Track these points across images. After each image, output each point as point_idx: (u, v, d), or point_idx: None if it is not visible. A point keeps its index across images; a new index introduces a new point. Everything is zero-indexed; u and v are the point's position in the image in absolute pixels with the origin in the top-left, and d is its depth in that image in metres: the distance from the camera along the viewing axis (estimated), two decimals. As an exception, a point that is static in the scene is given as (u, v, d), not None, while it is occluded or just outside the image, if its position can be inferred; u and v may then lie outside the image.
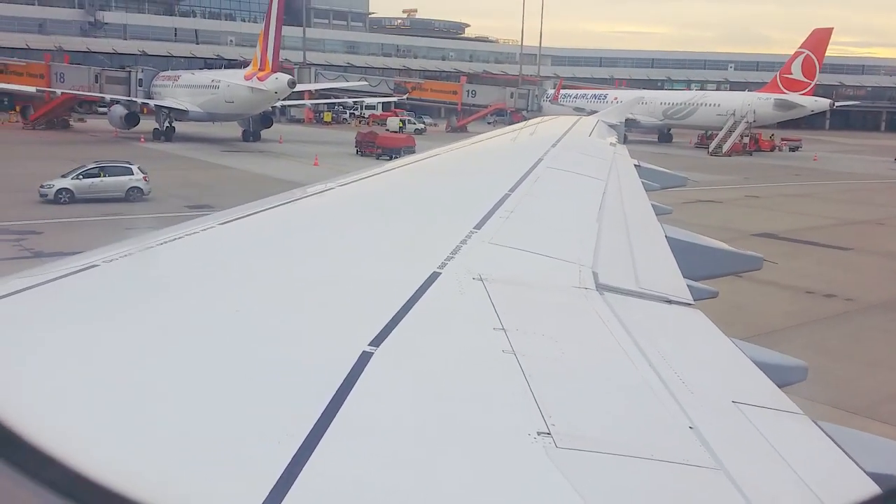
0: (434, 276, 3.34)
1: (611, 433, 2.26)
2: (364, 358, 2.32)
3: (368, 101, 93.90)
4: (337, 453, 1.79)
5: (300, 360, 2.37)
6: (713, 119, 79.78)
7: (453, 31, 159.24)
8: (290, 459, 1.71)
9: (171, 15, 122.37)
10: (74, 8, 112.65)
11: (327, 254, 3.90)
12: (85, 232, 26.58)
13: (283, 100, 71.09)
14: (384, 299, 2.96)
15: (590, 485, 1.85)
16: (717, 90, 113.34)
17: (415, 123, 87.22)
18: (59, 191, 32.01)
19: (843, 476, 2.17)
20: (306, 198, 5.27)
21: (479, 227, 4.50)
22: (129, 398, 2.02)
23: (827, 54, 79.16)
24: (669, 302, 3.83)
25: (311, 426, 1.87)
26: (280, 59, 67.99)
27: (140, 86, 72.70)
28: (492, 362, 2.57)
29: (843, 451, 2.27)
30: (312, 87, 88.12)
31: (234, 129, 69.12)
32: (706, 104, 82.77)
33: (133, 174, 33.72)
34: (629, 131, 70.79)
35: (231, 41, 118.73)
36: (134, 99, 69.05)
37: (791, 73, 77.54)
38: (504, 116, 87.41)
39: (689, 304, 3.86)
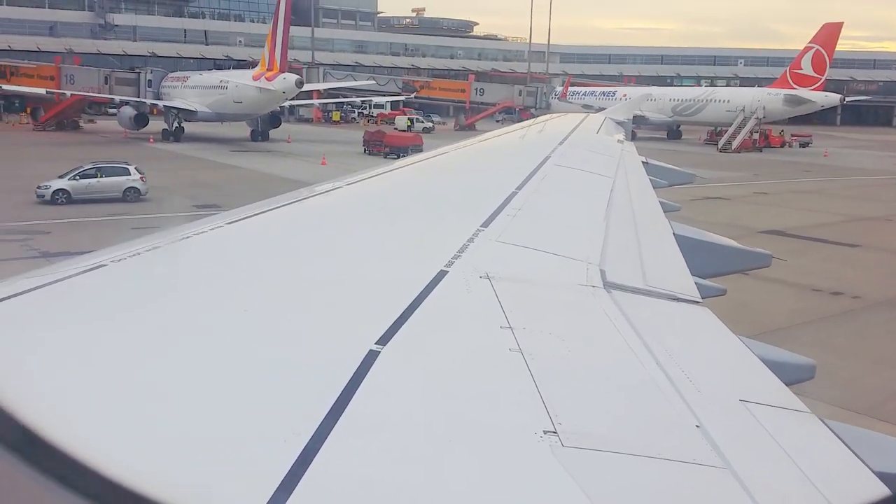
0: (441, 275, 3.34)
1: (617, 432, 2.25)
2: (371, 356, 2.32)
3: (377, 100, 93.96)
4: (343, 452, 1.80)
5: (307, 359, 2.38)
6: (723, 115, 79.38)
7: (462, 29, 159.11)
8: (296, 458, 1.71)
9: (180, 16, 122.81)
10: (84, 10, 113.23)
11: (334, 252, 3.91)
12: (89, 233, 26.63)
13: (292, 99, 71.23)
14: (391, 298, 2.96)
15: (596, 484, 1.84)
16: (726, 86, 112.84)
17: (423, 122, 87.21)
18: (56, 191, 32.02)
19: (850, 476, 2.16)
20: (314, 197, 5.27)
21: (486, 225, 4.50)
22: (137, 396, 2.03)
23: (838, 49, 78.59)
24: (677, 300, 3.82)
25: (318, 425, 1.87)
26: (289, 59, 68.16)
27: (149, 87, 72.99)
28: (498, 361, 2.57)
29: (852, 450, 2.25)
30: (321, 86, 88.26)
31: (242, 129, 69.32)
32: (715, 100, 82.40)
33: (130, 174, 33.66)
34: (638, 128, 71.00)
35: (240, 42, 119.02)
36: (143, 100, 69.40)
37: (801, 69, 77.03)
38: (512, 114, 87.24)
39: (697, 302, 3.85)
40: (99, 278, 3.00)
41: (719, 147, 74.83)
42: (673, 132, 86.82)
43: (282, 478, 1.64)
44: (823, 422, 2.47)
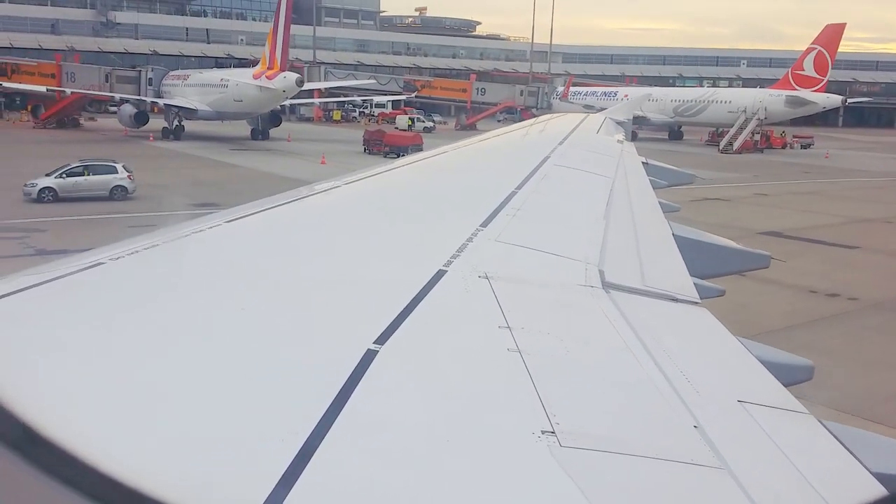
0: (440, 274, 3.33)
1: (615, 432, 2.25)
2: (369, 356, 2.32)
3: (378, 99, 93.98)
4: (340, 451, 1.79)
5: (305, 358, 2.38)
6: (724, 116, 79.34)
7: (464, 28, 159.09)
8: (293, 457, 1.71)
9: (182, 14, 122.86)
10: (86, 8, 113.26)
11: (333, 251, 3.90)
12: (86, 231, 26.56)
13: (293, 98, 71.25)
14: (389, 297, 2.96)
15: (594, 484, 1.84)
16: (729, 87, 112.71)
17: (424, 121, 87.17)
18: (43, 189, 31.85)
19: (848, 477, 2.16)
20: (312, 196, 5.27)
21: (485, 224, 4.50)
22: (135, 394, 2.03)
23: (841, 50, 78.50)
24: (676, 300, 3.81)
25: (315, 424, 1.87)
26: (290, 58, 68.14)
27: (150, 85, 73.03)
28: (496, 361, 2.56)
29: (849, 451, 2.25)
30: (321, 85, 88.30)
31: (242, 128, 69.34)
32: (717, 101, 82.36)
33: (117, 173, 33.43)
34: (639, 129, 70.91)
35: (242, 40, 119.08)
36: (143, 98, 69.45)
37: (803, 70, 76.99)
38: (514, 114, 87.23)
39: (696, 303, 3.84)
40: (97, 276, 2.99)
41: (720, 148, 74.79)
42: (674, 133, 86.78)
43: (279, 476, 1.63)
44: (821, 423, 2.47)
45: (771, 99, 77.43)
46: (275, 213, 4.56)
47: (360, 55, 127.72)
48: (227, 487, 1.66)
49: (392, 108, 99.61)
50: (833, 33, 75.93)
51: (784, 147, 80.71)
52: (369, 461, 1.82)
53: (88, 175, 33.06)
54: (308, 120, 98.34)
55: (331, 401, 1.99)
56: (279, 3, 64.96)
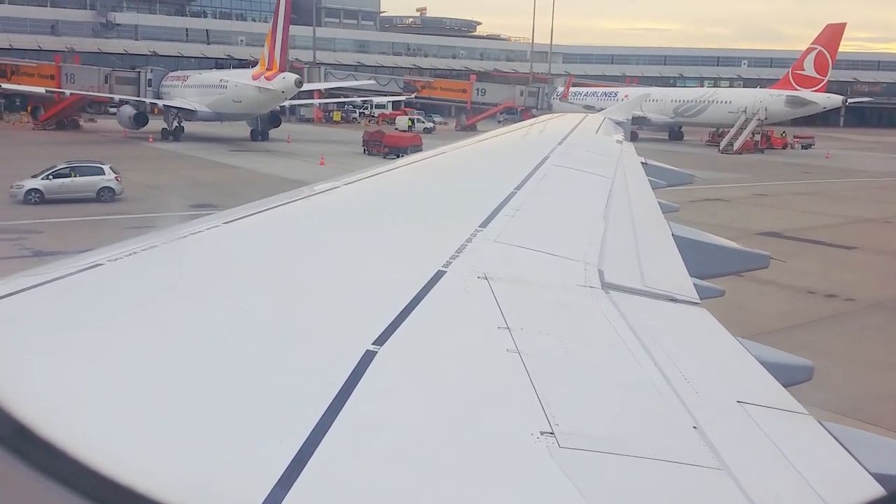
0: (439, 275, 3.33)
1: (614, 433, 2.25)
2: (367, 357, 2.32)
3: (378, 99, 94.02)
4: (339, 452, 1.79)
5: (303, 359, 2.38)
6: (725, 116, 79.31)
7: (464, 29, 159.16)
8: (292, 458, 1.71)
9: (182, 15, 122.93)
10: (86, 9, 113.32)
11: (331, 252, 3.90)
12: (83, 233, 26.40)
13: (293, 99, 71.26)
14: (388, 298, 2.96)
15: (593, 485, 1.84)
16: (730, 87, 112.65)
17: (424, 122, 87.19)
18: (29, 191, 31.57)
19: (847, 477, 2.16)
20: (311, 196, 5.27)
21: (484, 225, 4.49)
22: (133, 395, 2.03)
23: (842, 50, 78.44)
24: (675, 301, 3.81)
25: (314, 425, 1.86)
26: (290, 59, 68.15)
27: (149, 86, 73.09)
28: (496, 361, 2.56)
29: (849, 451, 2.25)
30: (321, 86, 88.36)
31: (242, 129, 69.34)
32: (717, 101, 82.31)
33: (104, 174, 33.16)
34: (640, 129, 70.76)
35: (242, 41, 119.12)
36: (143, 99, 69.49)
37: (803, 70, 76.95)
38: (514, 115, 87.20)
39: (696, 303, 3.84)
40: (95, 277, 2.99)
41: (720, 148, 74.78)
42: (674, 133, 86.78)
43: (278, 477, 1.63)
44: (820, 423, 2.46)
45: (771, 99, 77.41)
46: (273, 213, 4.55)
47: (360, 56, 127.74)
48: (226, 488, 1.66)
49: (392, 109, 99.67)
50: (833, 33, 75.89)
51: (784, 147, 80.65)
52: (368, 462, 1.82)
53: (75, 176, 32.77)
54: (308, 121, 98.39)
55: (329, 401, 1.99)
56: (278, 4, 64.96)
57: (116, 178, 33.31)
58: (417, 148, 46.93)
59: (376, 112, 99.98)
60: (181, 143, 62.73)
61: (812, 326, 19.29)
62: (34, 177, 32.37)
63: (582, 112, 22.98)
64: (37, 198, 31.66)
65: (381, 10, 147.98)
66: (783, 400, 2.68)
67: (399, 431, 2.01)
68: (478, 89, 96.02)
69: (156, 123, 66.59)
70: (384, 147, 55.61)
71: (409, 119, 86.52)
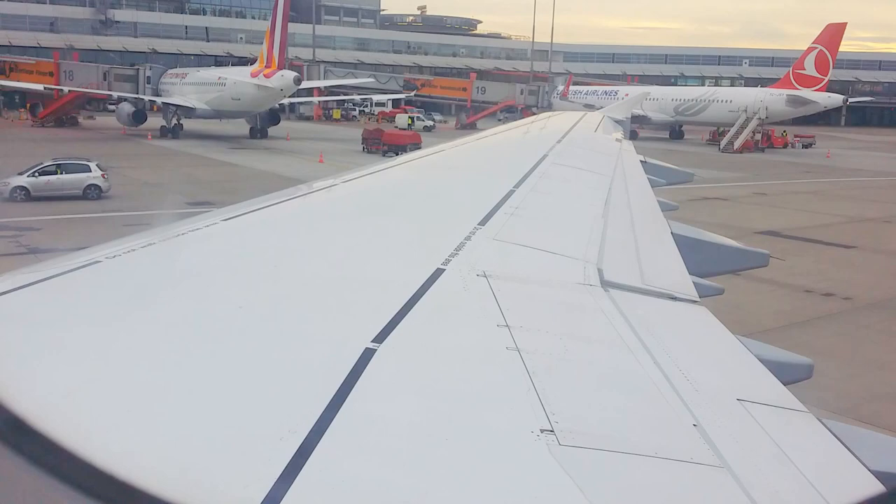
0: (438, 273, 3.33)
1: (614, 431, 2.24)
2: (367, 355, 2.32)
3: (378, 97, 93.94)
4: (339, 449, 1.79)
5: (303, 357, 2.37)
6: (725, 115, 79.25)
7: (465, 27, 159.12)
8: (293, 455, 1.71)
9: (181, 13, 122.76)
10: (85, 6, 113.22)
11: (330, 250, 3.90)
12: (80, 230, 26.34)
13: (292, 97, 71.18)
14: (387, 296, 2.95)
15: (593, 482, 1.83)
16: (730, 86, 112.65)
17: (424, 120, 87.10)
18: (14, 189, 31.19)
19: (847, 475, 2.15)
20: (310, 194, 5.27)
21: (483, 223, 4.49)
22: (133, 392, 2.03)
23: (843, 50, 78.34)
24: (675, 299, 3.81)
25: (314, 422, 1.86)
26: (290, 57, 68.09)
27: (148, 83, 73.00)
28: (495, 359, 2.56)
29: (848, 449, 2.25)
30: (320, 83, 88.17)
31: (241, 126, 69.33)
32: (718, 100, 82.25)
33: (91, 171, 32.75)
34: (640, 128, 70.60)
35: (241, 38, 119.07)
36: (142, 96, 69.44)
37: (804, 69, 76.88)
38: (514, 113, 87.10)
39: (695, 302, 3.84)
40: (94, 275, 2.99)
41: (721, 147, 74.77)
42: (675, 132, 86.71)
43: (279, 474, 1.64)
44: (820, 421, 2.46)
45: (772, 98, 77.37)
46: (272, 211, 4.55)
47: (360, 54, 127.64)
48: (227, 485, 1.66)
49: (392, 107, 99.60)
50: (834, 33, 75.84)
51: (785, 146, 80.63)
52: (368, 459, 1.82)
53: (61, 174, 32.32)
54: (307, 118, 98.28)
55: (329, 399, 1.99)
56: (276, 1, 64.86)
57: (103, 175, 32.90)
58: (417, 146, 46.88)
59: (376, 110, 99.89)
60: (180, 141, 62.67)
61: (809, 325, 19.30)
62: (20, 174, 31.92)
63: (582, 111, 22.99)
64: (22, 195, 31.28)
65: (382, 7, 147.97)
66: (783, 398, 2.67)
67: (399, 429, 2.01)
68: (478, 88, 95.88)
69: (155, 121, 66.56)
70: (383, 145, 55.54)
71: (409, 117, 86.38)
